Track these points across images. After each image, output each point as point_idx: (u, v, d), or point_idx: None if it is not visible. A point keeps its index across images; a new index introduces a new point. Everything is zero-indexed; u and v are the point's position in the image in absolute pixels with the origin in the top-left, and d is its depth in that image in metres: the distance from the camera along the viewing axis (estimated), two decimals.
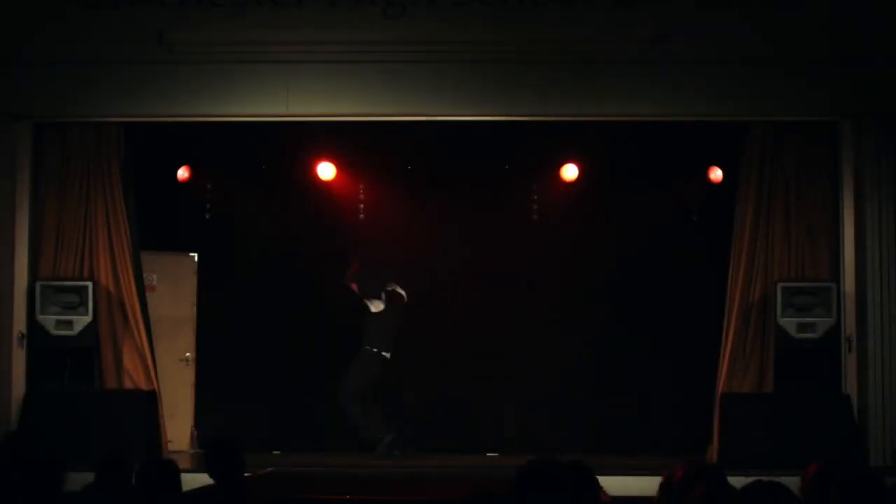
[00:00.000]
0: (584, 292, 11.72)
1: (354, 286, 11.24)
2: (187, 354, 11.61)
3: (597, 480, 4.29)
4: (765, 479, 3.73)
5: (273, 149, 11.51)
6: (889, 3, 9.85)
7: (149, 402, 10.14)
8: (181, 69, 10.01)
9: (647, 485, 6.21)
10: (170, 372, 11.30)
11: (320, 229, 11.88)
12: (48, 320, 10.08)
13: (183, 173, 11.58)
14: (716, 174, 11.36)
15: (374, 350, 11.02)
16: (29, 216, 10.27)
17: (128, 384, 10.26)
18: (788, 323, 9.93)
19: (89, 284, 10.11)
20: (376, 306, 11.09)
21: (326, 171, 11.63)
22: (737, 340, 10.17)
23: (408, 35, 9.87)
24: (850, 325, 9.98)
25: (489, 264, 11.75)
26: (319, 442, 11.44)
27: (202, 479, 6.69)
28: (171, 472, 5.05)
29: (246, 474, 5.78)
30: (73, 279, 10.21)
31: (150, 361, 10.34)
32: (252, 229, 11.86)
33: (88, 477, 5.39)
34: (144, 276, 10.86)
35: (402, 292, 11.19)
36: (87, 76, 10.04)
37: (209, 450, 5.37)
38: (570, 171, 11.62)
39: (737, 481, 4.13)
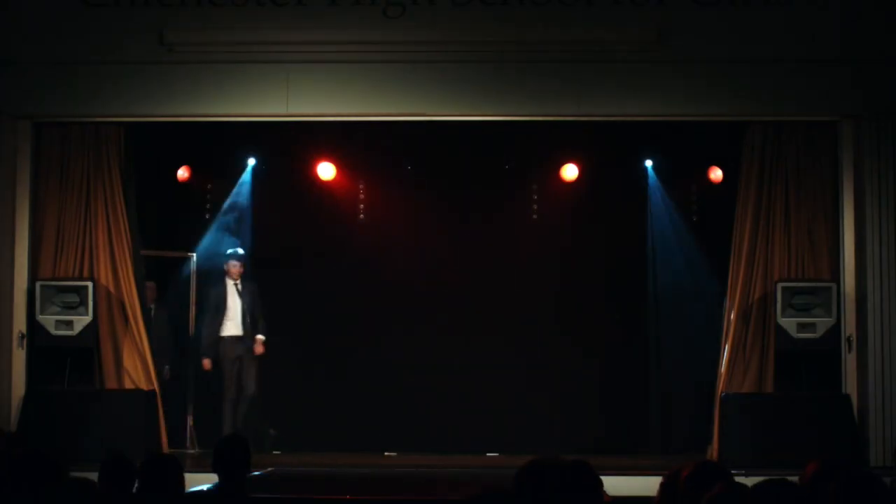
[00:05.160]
0: (583, 291, 11.74)
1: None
2: (166, 367, 11.44)
3: (599, 480, 4.28)
4: (777, 478, 3.75)
5: (273, 149, 11.54)
6: (889, 4, 9.85)
7: (149, 401, 10.14)
8: (181, 69, 10.01)
9: (647, 485, 6.22)
10: None
11: (320, 229, 11.88)
12: (48, 320, 10.06)
13: (183, 173, 11.61)
14: (716, 174, 11.38)
15: None
16: (29, 216, 10.26)
17: (128, 384, 10.25)
18: (788, 323, 9.92)
19: (89, 284, 10.10)
20: None
21: (326, 171, 11.65)
22: (737, 340, 10.17)
23: (407, 35, 9.88)
24: (850, 325, 9.97)
25: (489, 264, 11.77)
26: (320, 442, 11.44)
27: (201, 479, 6.70)
28: (174, 468, 5.04)
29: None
30: (73, 279, 10.20)
31: (150, 361, 10.34)
32: (251, 229, 11.87)
33: (89, 476, 5.39)
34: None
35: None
36: (87, 76, 10.04)
37: (219, 448, 5.35)
38: (570, 171, 11.65)
39: (737, 482, 4.13)
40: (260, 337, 11.21)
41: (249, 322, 11.20)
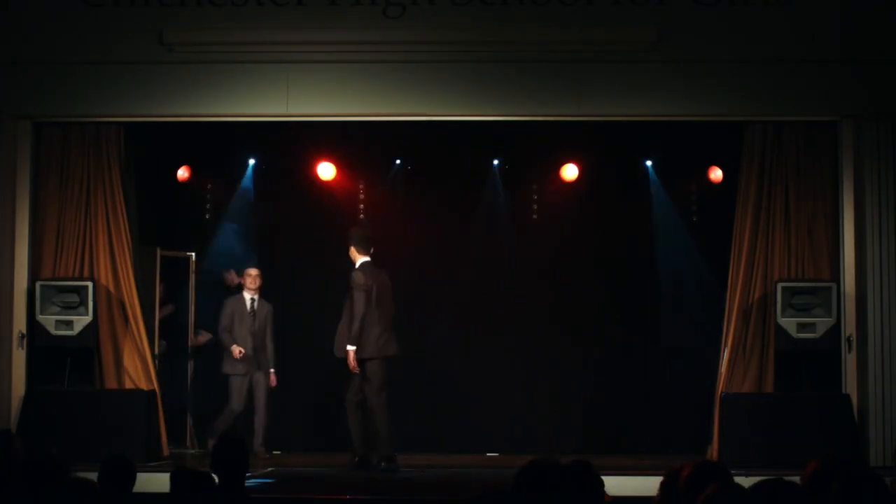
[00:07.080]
0: (583, 292, 11.74)
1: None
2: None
3: (600, 480, 4.29)
4: (773, 477, 3.74)
5: (273, 149, 11.54)
6: (889, 4, 9.85)
7: (149, 402, 10.15)
8: (181, 69, 10.01)
9: (647, 485, 6.21)
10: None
11: (320, 229, 11.88)
12: (48, 320, 10.06)
13: (183, 173, 11.61)
14: (716, 174, 11.39)
15: None
16: (29, 216, 10.26)
17: (128, 384, 10.25)
18: (788, 323, 9.92)
19: (89, 284, 10.10)
20: None
21: (326, 171, 11.65)
22: (737, 340, 10.16)
23: (408, 35, 9.88)
24: (850, 325, 9.97)
25: (489, 264, 11.77)
26: (320, 442, 11.45)
27: None
28: (128, 469, 5.10)
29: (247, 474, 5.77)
30: (73, 279, 10.20)
31: (150, 361, 10.34)
32: (251, 230, 11.88)
33: (89, 477, 5.39)
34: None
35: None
36: (87, 76, 10.04)
37: (217, 447, 5.35)
38: (570, 171, 11.66)
39: (737, 482, 4.13)
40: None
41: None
